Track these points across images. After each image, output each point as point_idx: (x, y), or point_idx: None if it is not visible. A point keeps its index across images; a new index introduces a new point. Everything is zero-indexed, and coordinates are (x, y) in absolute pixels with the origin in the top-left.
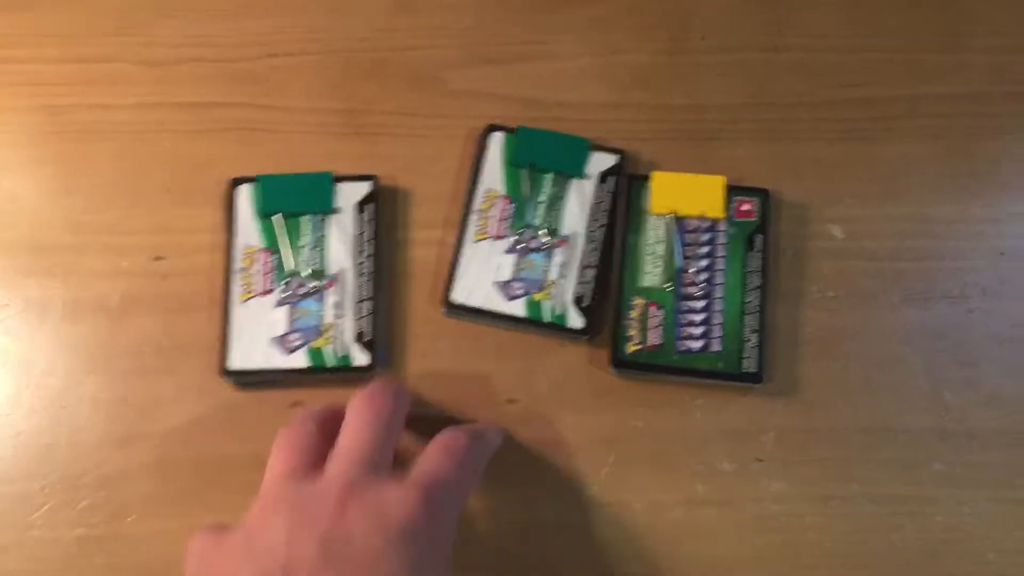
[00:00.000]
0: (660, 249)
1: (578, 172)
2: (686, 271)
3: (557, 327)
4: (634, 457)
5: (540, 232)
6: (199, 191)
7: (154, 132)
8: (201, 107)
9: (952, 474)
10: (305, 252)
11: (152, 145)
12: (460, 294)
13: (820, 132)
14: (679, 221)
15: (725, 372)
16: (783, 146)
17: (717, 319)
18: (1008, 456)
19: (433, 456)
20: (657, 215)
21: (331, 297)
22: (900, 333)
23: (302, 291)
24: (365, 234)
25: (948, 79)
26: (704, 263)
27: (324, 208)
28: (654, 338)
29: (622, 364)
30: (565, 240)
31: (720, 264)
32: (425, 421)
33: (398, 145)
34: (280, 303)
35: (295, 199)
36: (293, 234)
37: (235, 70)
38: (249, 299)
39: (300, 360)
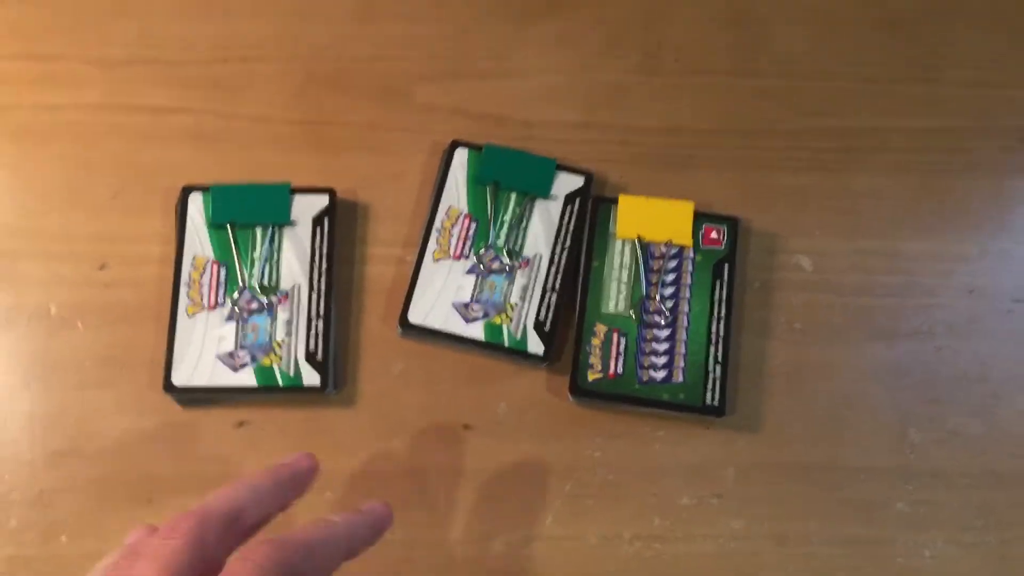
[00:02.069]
0: (625, 275)
1: (544, 193)
2: (651, 298)
3: (516, 352)
4: (591, 488)
5: (503, 253)
6: (148, 198)
7: (103, 135)
8: (153, 111)
9: (914, 515)
10: (257, 265)
11: (100, 149)
12: (417, 314)
13: (791, 161)
14: (645, 247)
15: (687, 404)
16: (753, 174)
17: (681, 349)
18: (970, 497)
19: None
20: (623, 240)
21: (282, 314)
22: (866, 369)
23: (253, 306)
24: (320, 249)
25: (921, 112)
26: (670, 291)
27: (279, 220)
28: (616, 367)
29: (582, 392)
30: (528, 262)
31: (686, 292)
32: (376, 448)
33: (359, 158)
34: (229, 318)
35: (249, 210)
36: (245, 246)
37: (190, 74)
38: (197, 312)
39: (248, 378)
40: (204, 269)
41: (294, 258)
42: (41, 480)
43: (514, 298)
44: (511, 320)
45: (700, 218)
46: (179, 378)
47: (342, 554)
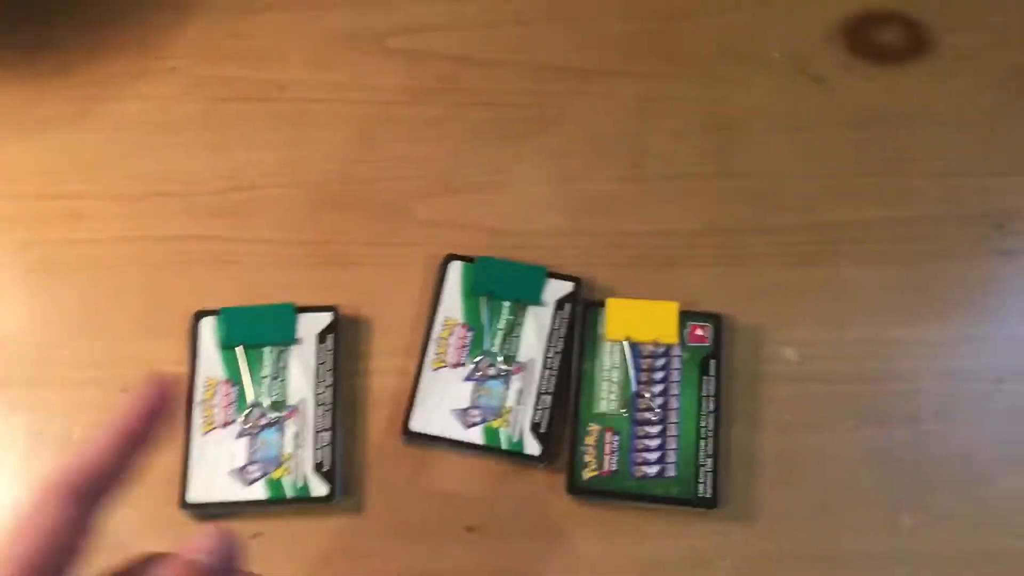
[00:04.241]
0: (616, 375)
1: (535, 300)
2: (641, 396)
3: (515, 454)
4: None
5: (498, 359)
6: (166, 323)
7: (123, 265)
8: (170, 240)
9: None
10: (266, 383)
11: (121, 279)
12: (418, 423)
13: (771, 256)
14: (634, 347)
15: (680, 498)
16: (736, 270)
17: (672, 444)
18: None
19: None
20: (612, 341)
21: (291, 427)
22: (856, 456)
23: (263, 422)
24: (326, 364)
25: (896, 203)
26: (659, 388)
27: (286, 339)
28: (610, 464)
29: (579, 490)
30: (522, 367)
31: (675, 389)
32: (385, 553)
33: (362, 274)
34: (241, 434)
35: (257, 331)
36: (255, 365)
37: (204, 204)
38: (210, 431)
39: (259, 492)
40: (216, 390)
41: (301, 374)
42: None
43: (510, 402)
44: (508, 423)
45: (685, 316)
46: (194, 495)
47: None
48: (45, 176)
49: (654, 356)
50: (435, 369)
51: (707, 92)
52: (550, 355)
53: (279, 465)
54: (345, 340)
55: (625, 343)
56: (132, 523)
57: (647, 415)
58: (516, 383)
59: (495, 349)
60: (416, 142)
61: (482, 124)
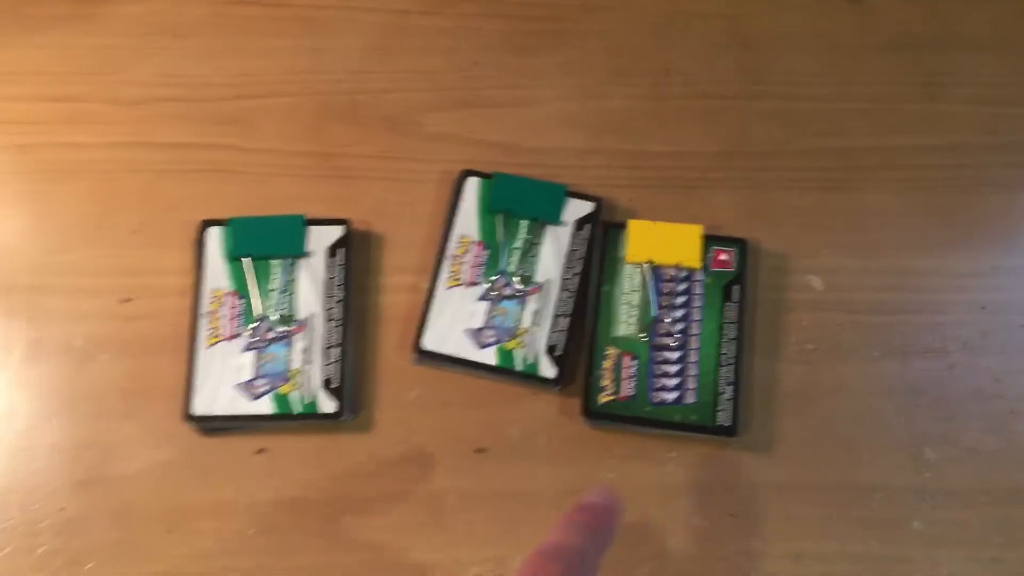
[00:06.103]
0: (635, 298)
1: (554, 219)
2: (661, 321)
3: (529, 376)
4: None
5: (514, 279)
6: (169, 232)
7: (124, 172)
8: (173, 147)
9: (931, 533)
10: (274, 296)
11: (122, 185)
12: (431, 341)
13: (797, 181)
14: (655, 270)
15: (699, 425)
16: (761, 194)
17: (692, 370)
18: (987, 514)
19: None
20: (633, 264)
21: (299, 342)
22: (879, 388)
23: (270, 336)
24: (336, 279)
25: (925, 129)
26: (680, 313)
27: (295, 252)
28: (627, 389)
29: (594, 415)
30: (539, 288)
31: (696, 315)
32: (392, 472)
33: (372, 188)
34: (247, 348)
35: (265, 242)
36: (262, 278)
37: (208, 111)
38: (215, 343)
39: (265, 406)
40: (222, 301)
41: (310, 288)
42: (68, 510)
43: (526, 323)
44: (523, 345)
45: (709, 240)
46: (198, 407)
47: (603, 552)
48: (44, 77)
49: (676, 280)
50: (449, 287)
51: (735, 8)
52: (568, 276)
53: (286, 380)
54: (356, 255)
55: (646, 266)
56: (134, 435)
57: (667, 340)
58: (532, 304)
59: (511, 268)
60: (428, 54)
61: (497, 36)
